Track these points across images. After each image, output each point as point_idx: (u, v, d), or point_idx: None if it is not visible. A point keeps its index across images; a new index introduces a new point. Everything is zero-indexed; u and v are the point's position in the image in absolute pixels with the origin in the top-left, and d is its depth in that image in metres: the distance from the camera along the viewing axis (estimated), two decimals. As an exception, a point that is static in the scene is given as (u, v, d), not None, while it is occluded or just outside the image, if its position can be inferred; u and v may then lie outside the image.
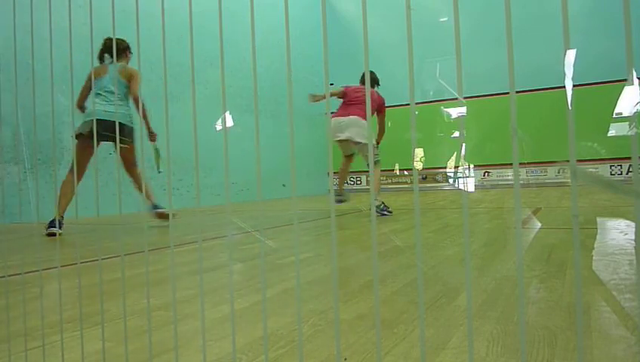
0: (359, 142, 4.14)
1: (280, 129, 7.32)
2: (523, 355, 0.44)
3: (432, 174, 8.58)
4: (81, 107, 3.87)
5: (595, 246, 2.09)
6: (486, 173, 8.25)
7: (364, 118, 4.10)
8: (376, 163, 4.31)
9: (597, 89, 7.08)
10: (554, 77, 7.23)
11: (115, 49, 3.56)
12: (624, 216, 3.17)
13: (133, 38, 4.05)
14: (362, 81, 4.62)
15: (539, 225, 3.00)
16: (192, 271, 1.95)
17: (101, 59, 3.82)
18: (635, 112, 0.42)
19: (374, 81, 4.55)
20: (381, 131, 4.43)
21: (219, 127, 0.70)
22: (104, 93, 3.70)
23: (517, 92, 0.47)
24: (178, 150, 5.54)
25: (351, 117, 4.12)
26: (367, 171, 7.70)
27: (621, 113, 6.83)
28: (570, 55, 0.41)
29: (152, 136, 4.01)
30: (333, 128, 4.15)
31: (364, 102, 4.09)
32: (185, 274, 1.87)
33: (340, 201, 4.55)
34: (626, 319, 1.10)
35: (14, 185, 4.38)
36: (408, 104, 0.55)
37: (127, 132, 3.74)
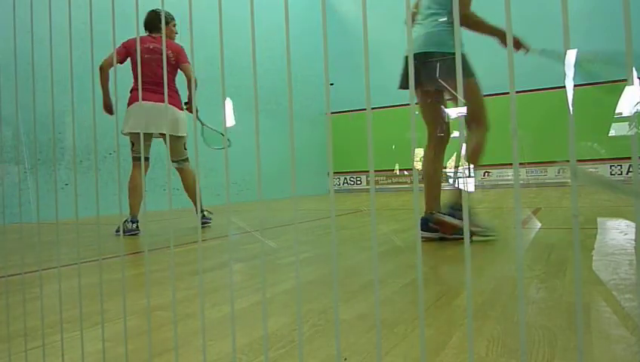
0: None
1: (280, 129, 7.33)
2: (523, 355, 0.44)
3: (432, 174, 8.57)
4: None
5: (595, 246, 2.08)
6: (486, 173, 8.24)
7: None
8: (186, 160, 3.58)
9: (596, 89, 7.08)
10: (554, 77, 7.22)
11: None
12: (624, 216, 3.16)
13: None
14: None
15: (539, 225, 3.00)
16: (192, 271, 1.95)
17: None
18: (635, 112, 0.42)
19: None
20: None
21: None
22: None
23: (517, 92, 0.47)
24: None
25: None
26: (367, 171, 7.65)
27: (621, 113, 6.83)
28: (571, 55, 0.41)
29: None
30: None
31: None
32: (185, 274, 1.87)
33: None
34: (626, 319, 1.10)
35: (14, 185, 4.38)
36: (408, 104, 0.55)
37: None
